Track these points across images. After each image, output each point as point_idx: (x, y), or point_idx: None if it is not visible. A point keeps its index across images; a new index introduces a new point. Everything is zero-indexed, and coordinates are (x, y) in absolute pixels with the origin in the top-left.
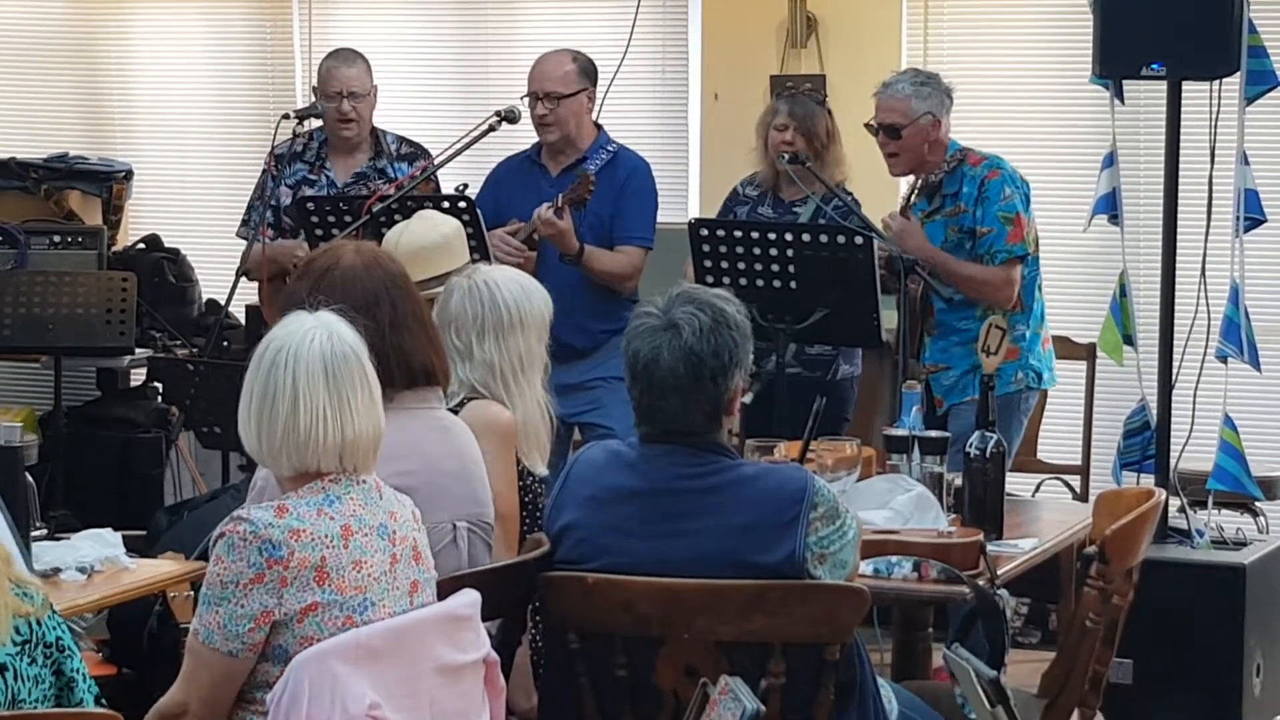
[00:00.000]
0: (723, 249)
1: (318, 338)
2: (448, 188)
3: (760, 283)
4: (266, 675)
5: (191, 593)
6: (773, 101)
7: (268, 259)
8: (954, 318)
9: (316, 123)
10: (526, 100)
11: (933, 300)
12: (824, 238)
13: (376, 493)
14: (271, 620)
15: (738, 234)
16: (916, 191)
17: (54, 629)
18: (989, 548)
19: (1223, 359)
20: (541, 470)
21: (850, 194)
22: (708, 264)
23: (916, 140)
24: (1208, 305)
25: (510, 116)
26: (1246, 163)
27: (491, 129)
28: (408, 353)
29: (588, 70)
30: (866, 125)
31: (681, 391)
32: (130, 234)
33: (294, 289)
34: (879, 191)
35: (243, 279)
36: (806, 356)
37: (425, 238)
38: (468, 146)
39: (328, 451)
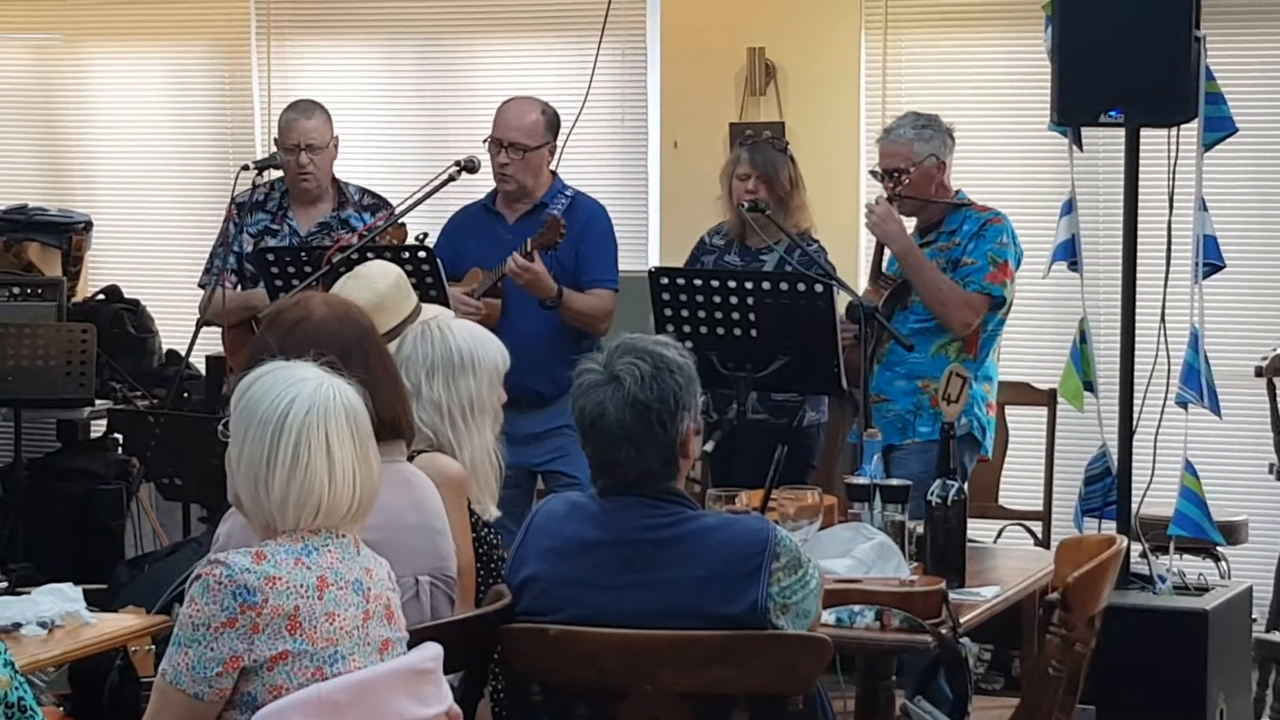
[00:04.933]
0: (683, 297)
1: (337, 395)
2: (408, 239)
3: (720, 331)
4: None
5: (153, 647)
6: (735, 150)
7: (232, 308)
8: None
9: (277, 173)
10: (487, 143)
11: (884, 333)
12: (784, 285)
13: (354, 548)
14: (240, 666)
15: (697, 282)
16: (897, 198)
17: (16, 689)
18: (951, 596)
19: (1183, 405)
20: (493, 513)
21: (815, 241)
22: (668, 312)
23: (923, 183)
24: (1168, 351)
25: (470, 166)
26: (1205, 209)
27: (451, 179)
28: (379, 406)
29: (554, 124)
30: (872, 172)
31: (632, 442)
32: (90, 285)
33: (261, 341)
34: (843, 236)
35: (204, 328)
36: (772, 403)
37: (359, 299)
38: (427, 196)
39: (339, 512)
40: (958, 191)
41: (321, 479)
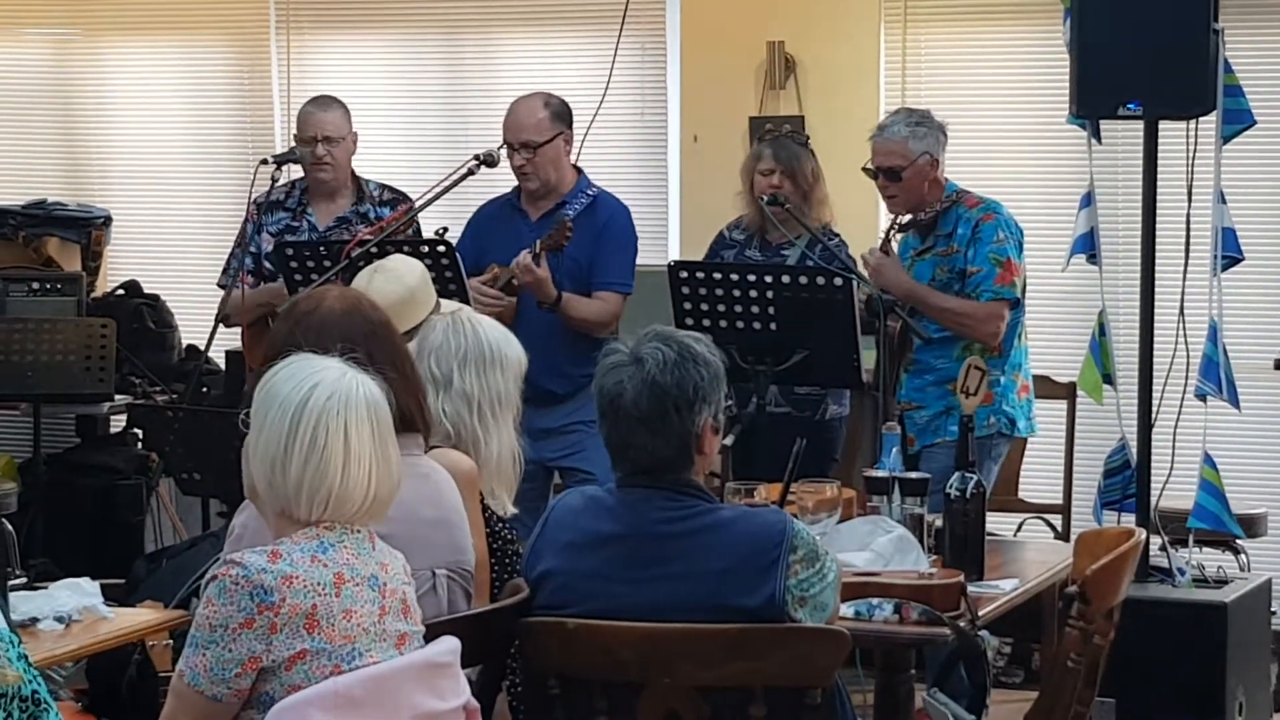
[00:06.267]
0: (702, 291)
1: (360, 387)
2: (427, 233)
3: (740, 324)
4: None
5: (171, 641)
6: (756, 146)
7: (250, 305)
8: (931, 356)
9: (297, 171)
10: (504, 149)
11: (910, 337)
12: (803, 279)
13: (369, 543)
14: (259, 666)
15: (717, 276)
16: (898, 228)
17: (30, 682)
18: (970, 589)
19: (1202, 397)
20: (510, 510)
21: (836, 235)
22: (687, 306)
23: (916, 181)
24: (1186, 344)
25: (489, 160)
26: (1223, 201)
27: (470, 173)
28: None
29: (561, 113)
30: (864, 169)
31: (647, 424)
32: (109, 280)
33: (275, 331)
34: (862, 230)
35: (221, 325)
36: (795, 396)
37: (391, 294)
38: (446, 191)
39: (352, 503)
40: (948, 182)
41: (336, 466)
